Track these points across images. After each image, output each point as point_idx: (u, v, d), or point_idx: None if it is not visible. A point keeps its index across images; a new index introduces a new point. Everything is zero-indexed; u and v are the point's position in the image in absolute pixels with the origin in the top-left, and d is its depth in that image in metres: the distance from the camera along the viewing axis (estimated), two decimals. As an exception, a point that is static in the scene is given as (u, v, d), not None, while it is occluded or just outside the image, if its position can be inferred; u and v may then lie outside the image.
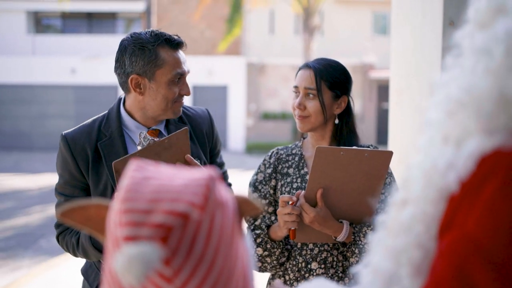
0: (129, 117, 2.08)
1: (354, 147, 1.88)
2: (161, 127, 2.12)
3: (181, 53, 2.04)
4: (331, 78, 2.04)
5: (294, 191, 2.05)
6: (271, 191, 2.11)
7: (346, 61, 2.37)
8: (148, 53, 1.96)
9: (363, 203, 1.88)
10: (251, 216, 2.07)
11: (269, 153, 2.17)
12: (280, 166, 2.13)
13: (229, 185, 2.33)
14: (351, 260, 1.99)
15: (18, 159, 18.32)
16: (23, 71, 21.14)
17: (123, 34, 22.85)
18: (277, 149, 2.18)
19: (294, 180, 2.09)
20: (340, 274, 2.03)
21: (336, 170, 1.84)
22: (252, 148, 20.30)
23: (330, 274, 2.02)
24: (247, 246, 0.81)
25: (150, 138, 2.02)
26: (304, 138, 2.20)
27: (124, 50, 2.00)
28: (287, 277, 2.07)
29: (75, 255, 2.08)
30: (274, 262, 2.05)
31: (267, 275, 2.20)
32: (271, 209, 2.10)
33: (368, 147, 2.08)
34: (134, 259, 0.64)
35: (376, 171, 1.84)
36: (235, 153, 19.77)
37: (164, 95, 2.00)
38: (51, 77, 21.18)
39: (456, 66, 0.75)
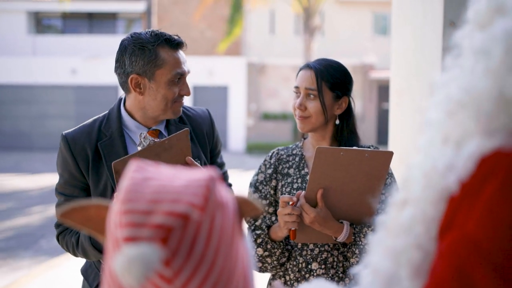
0: (130, 117, 2.09)
1: (354, 148, 1.88)
2: (161, 128, 2.12)
3: (181, 53, 2.04)
4: (332, 79, 2.03)
5: (294, 192, 2.05)
6: (272, 192, 2.11)
7: (346, 62, 2.37)
8: (148, 53, 1.96)
9: (363, 204, 1.88)
10: (251, 217, 2.07)
11: (270, 154, 2.17)
12: (280, 167, 2.13)
13: (230, 185, 2.32)
14: (352, 260, 1.99)
15: (18, 159, 18.33)
16: (24, 71, 21.15)
17: (123, 34, 22.86)
18: (278, 149, 2.18)
19: (295, 180, 2.09)
20: (341, 275, 2.03)
21: (337, 171, 1.84)
22: (252, 148, 20.30)
23: (330, 275, 2.02)
24: (247, 247, 0.81)
25: (151, 139, 2.02)
26: (304, 139, 2.20)
27: (124, 50, 2.00)
28: (287, 278, 2.07)
29: (75, 255, 2.08)
30: (275, 262, 2.05)
31: (267, 276, 2.20)
32: (271, 209, 2.10)
33: (369, 147, 2.08)
34: (134, 260, 0.64)
35: (377, 172, 1.84)
36: (235, 153, 19.77)
37: (164, 95, 2.00)
38: (51, 77, 21.18)
39: (455, 66, 0.75)
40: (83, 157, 2.03)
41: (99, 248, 1.97)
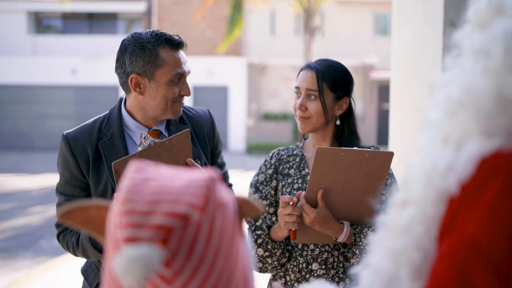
0: (130, 117, 2.09)
1: (355, 148, 1.88)
2: (162, 128, 2.12)
3: (181, 53, 2.04)
4: (332, 80, 2.03)
5: (295, 192, 2.05)
6: (272, 192, 2.11)
7: (346, 62, 2.37)
8: (148, 53, 1.96)
9: (364, 204, 1.88)
10: (251, 217, 2.07)
11: (270, 154, 2.17)
12: (281, 167, 2.13)
13: (230, 185, 2.33)
14: (352, 261, 1.99)
15: (18, 159, 18.33)
16: (24, 71, 21.15)
17: (123, 34, 22.87)
18: (278, 149, 2.18)
19: (295, 180, 2.09)
20: (341, 275, 2.03)
21: (337, 171, 1.84)
22: (252, 149, 20.30)
23: (331, 275, 2.02)
24: (247, 247, 0.81)
25: (151, 139, 2.02)
26: (305, 139, 2.20)
27: (124, 49, 2.00)
28: (288, 278, 2.07)
29: (75, 254, 2.09)
30: (275, 262, 2.05)
31: (268, 276, 2.20)
32: (272, 209, 2.10)
33: (369, 148, 2.08)
34: (134, 260, 0.64)
35: (377, 172, 1.84)
36: (235, 154, 19.77)
37: (164, 95, 2.00)
38: (51, 77, 21.19)
39: (455, 66, 0.75)
40: (83, 157, 2.03)
41: (99, 248, 1.97)
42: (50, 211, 9.59)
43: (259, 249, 2.03)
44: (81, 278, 2.24)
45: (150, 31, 2.02)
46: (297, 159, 2.13)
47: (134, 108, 2.07)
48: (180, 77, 2.02)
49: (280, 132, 21.43)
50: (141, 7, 22.62)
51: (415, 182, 0.76)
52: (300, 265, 2.04)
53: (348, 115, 2.10)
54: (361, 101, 21.22)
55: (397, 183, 2.05)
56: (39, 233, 8.12)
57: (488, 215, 0.65)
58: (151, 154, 1.83)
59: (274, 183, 2.11)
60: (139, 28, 23.09)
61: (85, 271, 2.20)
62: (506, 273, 0.62)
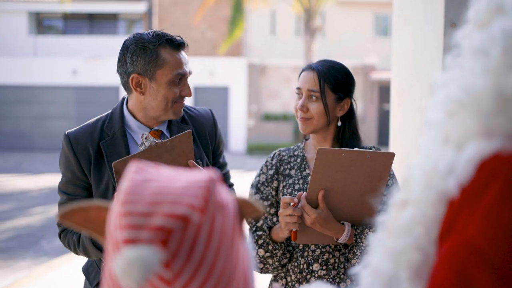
0: (132, 117, 2.09)
1: (356, 149, 1.88)
2: (163, 128, 2.13)
3: (182, 54, 2.04)
4: (334, 81, 2.03)
5: (296, 193, 2.05)
6: (273, 193, 2.11)
7: (347, 63, 2.37)
8: (149, 53, 1.97)
9: (365, 205, 1.88)
10: (252, 218, 2.06)
11: (271, 155, 2.17)
12: (282, 168, 2.12)
13: (231, 185, 2.33)
14: (353, 261, 1.99)
15: (19, 159, 18.34)
16: (24, 71, 21.17)
17: (124, 35, 22.88)
18: (279, 150, 2.18)
19: (296, 181, 2.08)
20: (342, 276, 2.03)
21: (338, 172, 1.83)
22: (253, 149, 20.30)
23: (332, 276, 2.02)
24: (247, 248, 0.81)
25: (152, 140, 2.02)
26: (306, 140, 2.20)
27: (126, 49, 2.01)
28: (288, 279, 2.07)
29: (76, 253, 2.10)
30: (276, 263, 2.04)
31: (269, 277, 2.20)
32: (273, 210, 2.10)
33: (370, 148, 2.07)
34: (133, 262, 0.64)
35: (378, 173, 1.84)
36: (236, 154, 19.77)
37: (164, 95, 2.00)
38: (52, 77, 21.20)
39: (456, 66, 0.75)
40: (85, 157, 2.04)
41: (100, 247, 1.98)
42: (51, 212, 9.60)
43: (260, 250, 2.03)
44: (81, 279, 2.24)
45: (152, 32, 2.02)
46: (298, 160, 2.13)
47: (135, 108, 2.08)
48: (181, 78, 2.03)
49: (281, 132, 21.43)
50: (141, 7, 22.63)
51: (415, 183, 0.75)
52: (301, 266, 2.04)
53: (350, 116, 2.10)
54: (361, 102, 21.22)
55: (398, 184, 2.05)
56: (39, 234, 8.13)
57: (488, 217, 0.64)
58: (152, 154, 1.83)
59: (275, 183, 2.11)
60: (140, 29, 23.10)
61: (86, 269, 2.21)
62: (506, 275, 0.62)
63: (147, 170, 0.75)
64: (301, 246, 2.05)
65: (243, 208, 0.78)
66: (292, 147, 2.20)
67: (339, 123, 2.08)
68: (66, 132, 2.09)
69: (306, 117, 2.03)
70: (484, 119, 0.68)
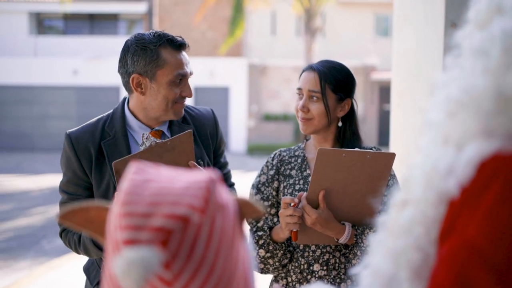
0: (133, 117, 2.10)
1: (356, 149, 1.88)
2: (164, 128, 2.13)
3: (183, 55, 2.05)
4: (335, 81, 2.03)
5: (296, 193, 2.05)
6: (274, 193, 2.11)
7: (348, 63, 2.37)
8: (150, 53, 1.97)
9: (365, 205, 1.88)
10: (252, 219, 2.07)
11: (272, 155, 2.17)
12: (282, 168, 2.12)
13: (232, 184, 2.34)
14: (354, 262, 1.99)
15: (19, 160, 18.34)
16: (25, 72, 21.17)
17: (124, 35, 22.89)
18: (280, 150, 2.18)
19: (297, 181, 2.08)
20: (343, 276, 2.03)
21: (338, 172, 1.83)
22: (253, 150, 20.30)
23: (332, 276, 2.02)
24: (248, 249, 0.81)
25: (152, 139, 2.02)
26: (307, 140, 2.19)
27: (127, 50, 2.02)
28: (289, 279, 2.07)
29: (77, 252, 2.10)
30: (277, 263, 2.04)
31: (269, 277, 2.20)
32: (273, 210, 2.10)
33: (371, 149, 2.07)
34: (133, 263, 0.64)
35: (379, 173, 1.84)
36: (236, 155, 19.76)
37: (165, 95, 2.00)
38: (52, 78, 21.21)
39: (456, 66, 0.75)
40: (86, 156, 2.04)
41: (100, 246, 1.98)
42: (51, 212, 9.60)
43: (261, 250, 2.03)
44: (81, 279, 2.24)
45: (153, 32, 2.03)
46: (299, 160, 2.13)
47: (136, 108, 2.08)
48: (181, 78, 2.03)
49: (281, 133, 21.43)
50: (142, 8, 22.63)
51: (416, 183, 0.75)
52: (302, 266, 2.04)
53: (350, 117, 2.10)
54: (362, 102, 21.21)
55: (398, 184, 2.05)
56: (40, 234, 8.13)
57: (488, 218, 0.64)
58: (153, 154, 1.83)
59: (275, 184, 2.11)
60: (140, 29, 23.10)
61: (87, 269, 2.22)
62: (506, 276, 0.62)
63: (147, 170, 0.75)
64: (301, 247, 2.05)
65: (244, 209, 0.78)
66: (292, 147, 2.20)
67: (340, 124, 2.08)
68: (68, 131, 2.10)
69: (307, 118, 2.03)
70: (484, 119, 0.68)
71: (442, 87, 0.76)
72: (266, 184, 2.11)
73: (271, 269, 2.06)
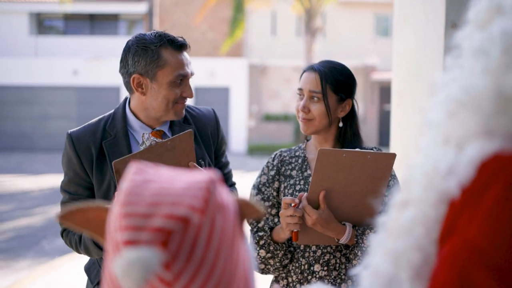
0: (134, 117, 2.10)
1: (357, 149, 1.88)
2: (165, 128, 2.13)
3: (184, 55, 2.05)
4: (336, 82, 2.03)
5: (297, 193, 2.05)
6: (274, 193, 2.11)
7: (348, 63, 2.37)
8: (151, 53, 1.97)
9: (366, 206, 1.88)
10: (253, 219, 2.06)
11: (273, 155, 2.17)
12: (283, 168, 2.12)
13: (234, 184, 2.34)
14: (354, 262, 1.98)
15: (20, 160, 18.34)
16: (25, 72, 21.18)
17: (125, 35, 22.90)
18: (281, 151, 2.18)
19: (297, 182, 2.08)
20: (343, 277, 2.02)
21: (339, 172, 1.83)
22: (254, 150, 20.30)
23: (333, 277, 2.02)
24: (248, 249, 0.81)
25: (153, 139, 2.02)
26: (307, 140, 2.19)
27: (128, 50, 2.02)
28: (290, 279, 2.07)
29: (78, 251, 2.11)
30: (277, 264, 2.04)
31: (270, 277, 2.20)
32: (274, 211, 2.10)
33: (372, 149, 2.07)
34: (133, 263, 0.64)
35: (379, 174, 1.84)
36: (236, 155, 19.76)
37: (165, 95, 2.00)
38: (53, 78, 21.21)
39: (456, 66, 0.75)
40: (87, 156, 2.05)
41: (101, 246, 1.98)
42: (52, 212, 9.60)
43: (261, 251, 2.03)
44: (82, 279, 2.25)
45: (154, 32, 2.03)
46: (299, 161, 2.12)
47: (137, 109, 2.09)
48: (182, 79, 2.03)
49: (281, 133, 21.43)
50: (142, 8, 22.63)
51: (416, 183, 0.75)
52: (302, 267, 2.04)
53: (351, 117, 2.09)
54: (362, 102, 21.22)
55: (399, 185, 2.05)
56: (40, 234, 8.13)
57: (489, 218, 0.64)
58: (153, 154, 1.83)
59: (276, 184, 2.11)
60: (140, 29, 23.11)
61: (87, 268, 2.22)
62: (507, 276, 0.62)
63: (147, 170, 0.75)
64: (302, 247, 2.05)
65: (244, 209, 0.78)
66: (293, 147, 2.20)
67: (341, 124, 2.08)
68: (69, 131, 2.10)
69: (308, 118, 2.03)
70: (484, 119, 0.68)
71: (442, 87, 0.76)
72: (267, 185, 2.11)
73: (271, 269, 2.06)
